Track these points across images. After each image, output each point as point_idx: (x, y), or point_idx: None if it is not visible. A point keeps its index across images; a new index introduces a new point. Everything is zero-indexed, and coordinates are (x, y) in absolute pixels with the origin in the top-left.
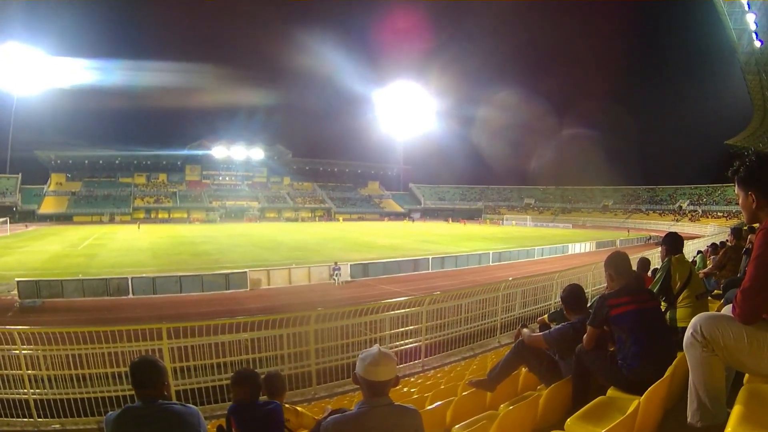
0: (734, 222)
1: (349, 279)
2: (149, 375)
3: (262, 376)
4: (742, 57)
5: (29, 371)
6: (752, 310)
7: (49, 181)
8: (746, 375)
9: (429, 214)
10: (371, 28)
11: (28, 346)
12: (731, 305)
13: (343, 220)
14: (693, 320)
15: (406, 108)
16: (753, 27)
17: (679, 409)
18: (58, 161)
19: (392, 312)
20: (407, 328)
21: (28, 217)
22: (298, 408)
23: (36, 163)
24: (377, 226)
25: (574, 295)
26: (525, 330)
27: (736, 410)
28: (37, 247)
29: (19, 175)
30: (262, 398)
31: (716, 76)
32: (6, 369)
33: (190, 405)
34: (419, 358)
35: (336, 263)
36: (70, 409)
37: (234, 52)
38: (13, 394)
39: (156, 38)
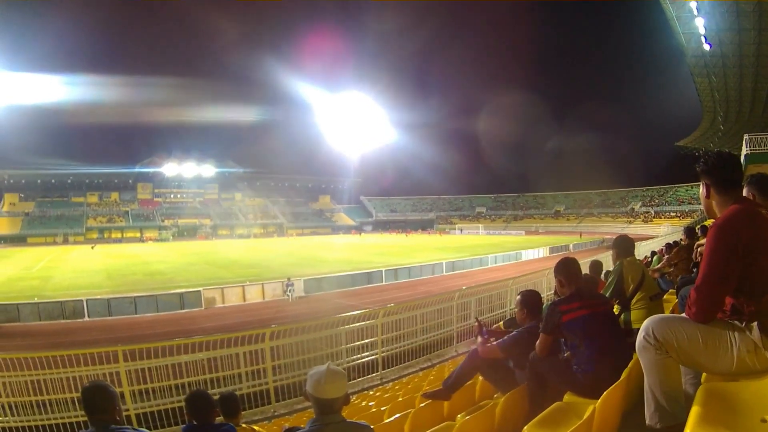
0: (687, 221)
1: (303, 294)
2: (100, 400)
3: (217, 397)
4: (691, 60)
5: None
6: (707, 309)
7: (2, 201)
8: (704, 374)
9: (381, 226)
10: (319, 40)
11: None
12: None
13: (296, 235)
14: (645, 323)
15: (357, 120)
16: (702, 31)
17: (638, 411)
18: (11, 180)
19: (348, 326)
20: (364, 341)
21: None
22: (256, 427)
23: None
24: (328, 241)
25: (534, 298)
26: (478, 339)
27: (695, 410)
28: None
29: None
30: (219, 419)
31: (665, 79)
32: None
33: (142, 429)
34: (377, 371)
35: (289, 279)
36: None
37: (183, 67)
38: None
39: (105, 53)
